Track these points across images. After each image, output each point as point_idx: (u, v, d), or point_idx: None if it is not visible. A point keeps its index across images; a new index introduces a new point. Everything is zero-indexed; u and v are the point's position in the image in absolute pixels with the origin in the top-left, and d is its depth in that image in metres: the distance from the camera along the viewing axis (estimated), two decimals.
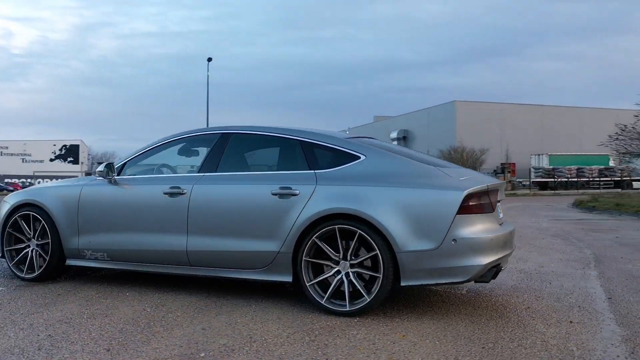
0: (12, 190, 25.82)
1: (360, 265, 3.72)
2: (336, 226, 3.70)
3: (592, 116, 46.26)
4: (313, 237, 3.74)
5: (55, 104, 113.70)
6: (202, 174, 4.28)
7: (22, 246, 4.81)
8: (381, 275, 3.59)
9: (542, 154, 40.82)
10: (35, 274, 4.70)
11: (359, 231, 3.63)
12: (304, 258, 3.77)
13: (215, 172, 4.25)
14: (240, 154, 4.48)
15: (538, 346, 3.09)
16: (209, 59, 30.47)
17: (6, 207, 4.92)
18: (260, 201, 3.96)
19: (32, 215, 4.74)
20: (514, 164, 41.74)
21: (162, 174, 4.71)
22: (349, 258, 3.71)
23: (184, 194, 4.20)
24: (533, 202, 22.78)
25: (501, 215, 4.16)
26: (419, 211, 3.60)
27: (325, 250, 3.74)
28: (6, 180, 43.25)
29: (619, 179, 36.37)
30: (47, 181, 38.28)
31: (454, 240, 3.52)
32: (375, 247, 3.60)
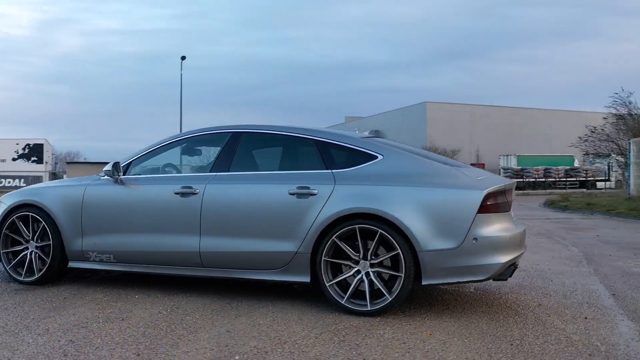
0: None
1: (380, 264, 3.73)
2: (357, 226, 3.69)
3: (561, 118, 47.51)
4: (333, 237, 3.73)
5: (17, 102, 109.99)
6: (214, 173, 4.21)
7: (20, 248, 4.64)
8: (403, 275, 3.60)
9: (511, 155, 41.67)
10: (34, 277, 4.53)
11: (380, 231, 3.64)
12: (323, 258, 3.75)
13: (228, 171, 4.19)
14: (253, 153, 4.42)
15: (563, 342, 3.16)
16: (183, 57, 29.95)
17: (2, 208, 4.74)
18: (277, 201, 3.92)
19: (32, 216, 4.58)
20: (483, 164, 42.42)
21: (168, 173, 4.62)
22: (369, 258, 3.71)
23: (196, 193, 4.12)
24: None
25: (512, 214, 4.23)
26: (440, 210, 3.63)
27: (345, 250, 3.74)
28: None
29: (584, 179, 37.48)
30: (9, 181, 36.96)
31: (475, 239, 3.56)
32: (397, 246, 3.61)
